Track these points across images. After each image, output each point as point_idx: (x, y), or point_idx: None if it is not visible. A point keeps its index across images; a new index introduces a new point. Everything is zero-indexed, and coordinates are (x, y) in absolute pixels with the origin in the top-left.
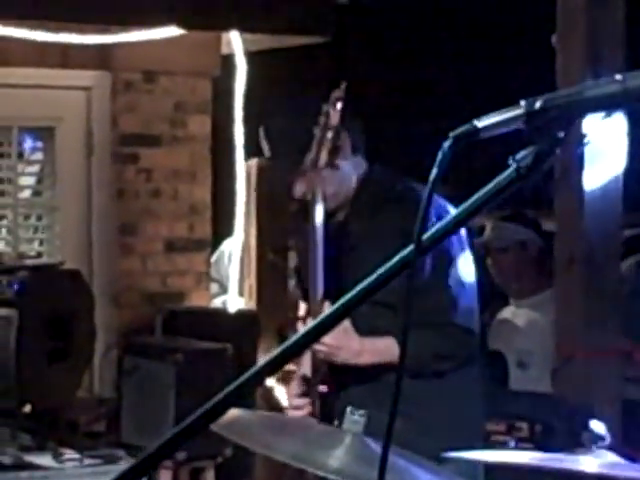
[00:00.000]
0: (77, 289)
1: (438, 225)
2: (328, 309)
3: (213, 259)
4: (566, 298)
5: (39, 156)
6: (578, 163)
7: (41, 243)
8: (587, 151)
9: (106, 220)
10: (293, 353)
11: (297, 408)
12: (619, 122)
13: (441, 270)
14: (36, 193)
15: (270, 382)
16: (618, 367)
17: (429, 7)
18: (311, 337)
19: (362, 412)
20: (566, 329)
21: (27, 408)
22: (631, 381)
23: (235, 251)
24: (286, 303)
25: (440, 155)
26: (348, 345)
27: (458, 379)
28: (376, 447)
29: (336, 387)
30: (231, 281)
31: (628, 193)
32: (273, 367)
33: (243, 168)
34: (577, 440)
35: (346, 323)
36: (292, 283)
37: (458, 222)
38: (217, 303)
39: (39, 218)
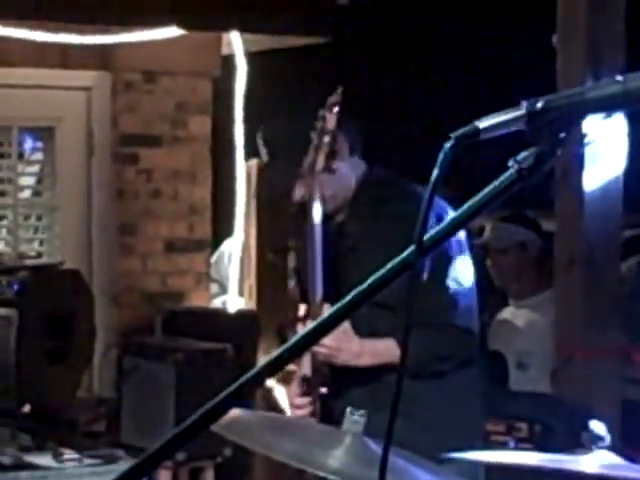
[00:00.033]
0: (77, 289)
1: (439, 226)
2: (327, 311)
3: (213, 259)
4: (566, 298)
5: (39, 156)
6: (578, 163)
7: (41, 243)
8: (587, 151)
9: (106, 220)
10: (293, 354)
11: (299, 407)
12: (619, 123)
13: (440, 271)
14: (36, 193)
15: (270, 382)
16: (618, 368)
17: (429, 8)
18: (311, 338)
19: (362, 412)
20: (566, 329)
21: (27, 408)
22: (631, 382)
23: (235, 251)
24: (286, 303)
25: (441, 156)
26: (348, 346)
27: (458, 379)
28: (376, 447)
29: (336, 388)
30: (231, 281)
31: (628, 193)
32: (273, 368)
33: (243, 168)
34: (577, 440)
35: (346, 325)
36: (292, 283)
37: (459, 223)
38: (217, 303)
39: (39, 218)
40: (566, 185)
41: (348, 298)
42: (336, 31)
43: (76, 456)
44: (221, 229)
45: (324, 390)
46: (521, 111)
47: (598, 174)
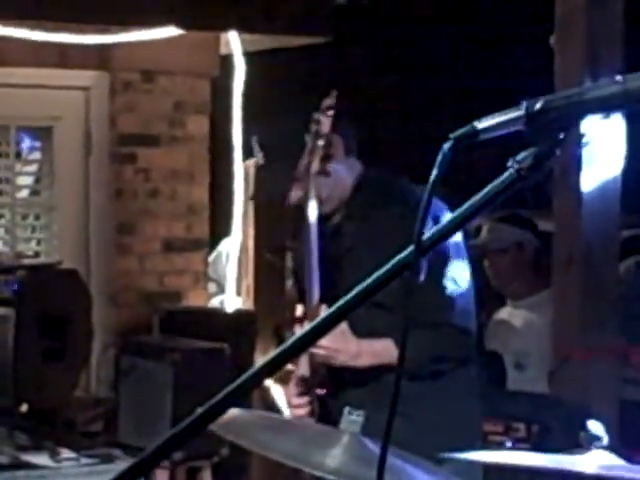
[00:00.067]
0: (74, 288)
1: (438, 226)
2: (324, 312)
3: (211, 259)
4: (564, 299)
5: (37, 156)
6: (577, 164)
7: (39, 243)
8: (585, 152)
9: (104, 220)
10: (291, 355)
11: (297, 407)
12: (617, 123)
13: (437, 271)
14: (34, 193)
15: (267, 382)
16: (616, 368)
17: (428, 7)
18: (309, 339)
19: (360, 412)
20: (564, 330)
21: (24, 407)
22: (628, 382)
23: (233, 251)
24: (283, 303)
25: (440, 156)
26: (346, 347)
27: (455, 379)
28: (373, 447)
29: (334, 389)
30: (229, 281)
31: (626, 194)
32: (270, 369)
33: (241, 168)
34: (575, 441)
35: (343, 325)
36: (289, 283)
37: (459, 223)
38: (215, 303)
39: (37, 218)
40: (564, 185)
41: (346, 298)
42: (335, 31)
43: (73, 455)
44: (219, 229)
45: (322, 391)
46: (520, 111)
47: (596, 174)
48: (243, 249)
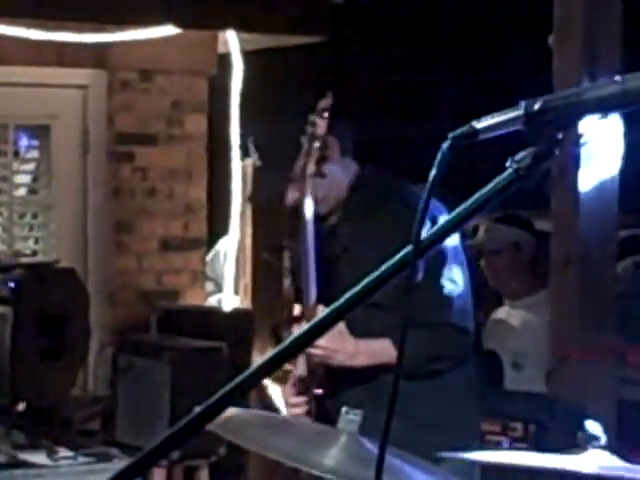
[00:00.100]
0: (72, 287)
1: (437, 226)
2: (321, 312)
3: (209, 258)
4: (561, 299)
5: (35, 154)
6: (574, 163)
7: (36, 241)
8: (583, 151)
9: (101, 218)
10: (289, 355)
11: (294, 406)
12: (615, 123)
13: (435, 270)
14: (32, 191)
15: (264, 381)
16: (613, 368)
17: (427, 7)
18: (307, 339)
19: (357, 411)
20: (561, 330)
21: (21, 406)
22: (626, 381)
23: (230, 250)
24: (281, 302)
25: (439, 156)
26: (343, 347)
27: (453, 379)
28: (371, 447)
29: (332, 389)
30: (226, 280)
31: (624, 194)
32: (268, 369)
33: (239, 167)
34: (572, 440)
35: (341, 325)
36: (287, 283)
37: (457, 223)
38: (212, 302)
39: (34, 216)
40: (562, 185)
41: (344, 298)
42: (333, 30)
43: (71, 454)
44: (216, 228)
45: (319, 391)
46: (519, 111)
47: (594, 174)
48: (241, 248)
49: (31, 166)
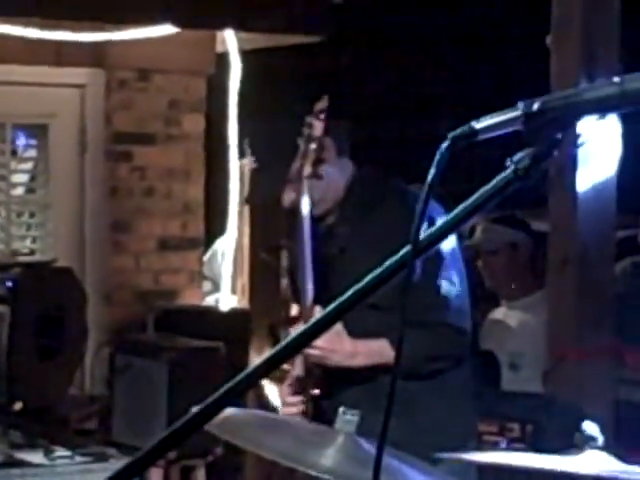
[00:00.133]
0: (69, 286)
1: (435, 226)
2: (318, 313)
3: (206, 257)
4: (559, 299)
5: (32, 153)
6: (572, 164)
7: (34, 240)
8: (581, 152)
9: (99, 218)
10: (287, 356)
11: (290, 405)
12: (613, 123)
13: (432, 271)
14: (29, 190)
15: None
16: (610, 368)
17: (425, 7)
18: (305, 339)
19: (355, 412)
20: (558, 330)
21: (18, 405)
22: (623, 382)
23: (228, 249)
24: (278, 302)
25: (438, 156)
26: (341, 347)
27: (451, 379)
28: (368, 447)
29: (329, 390)
30: (224, 279)
31: (622, 194)
32: (265, 370)
33: (237, 167)
34: (569, 441)
35: (338, 326)
36: (285, 282)
37: (456, 223)
38: (210, 301)
39: (32, 215)
40: (560, 185)
41: (342, 299)
42: (332, 30)
43: (67, 454)
44: (214, 227)
45: (316, 391)
46: (518, 112)
47: (592, 174)
48: (238, 248)
49: (29, 165)
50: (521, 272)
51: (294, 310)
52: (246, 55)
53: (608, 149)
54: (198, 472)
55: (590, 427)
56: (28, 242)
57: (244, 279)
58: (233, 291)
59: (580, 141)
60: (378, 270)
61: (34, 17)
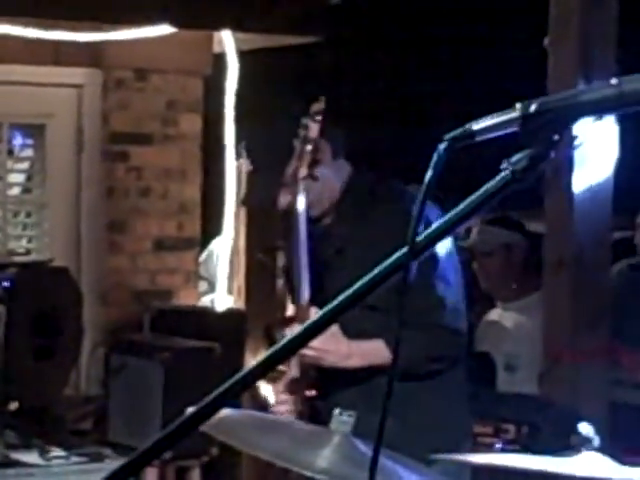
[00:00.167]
0: (65, 286)
1: (432, 228)
2: (314, 314)
3: (203, 257)
4: (554, 300)
5: (29, 153)
6: (568, 165)
7: (30, 240)
8: (577, 153)
9: (95, 218)
10: (283, 357)
11: (281, 403)
12: (610, 124)
13: (427, 271)
14: (25, 190)
15: None
16: (605, 370)
17: (423, 8)
18: (301, 341)
19: (350, 413)
20: (554, 331)
21: (14, 405)
22: (618, 384)
23: (224, 250)
24: (274, 303)
25: (435, 157)
26: (336, 348)
27: (446, 380)
28: (364, 448)
29: (325, 390)
30: (220, 280)
31: (618, 195)
32: (261, 371)
33: (233, 167)
34: (564, 442)
35: (333, 326)
36: (281, 283)
37: (453, 224)
38: (205, 301)
39: (28, 215)
40: (556, 186)
41: (339, 300)
42: (329, 31)
43: (63, 454)
44: (210, 228)
45: (311, 392)
46: (515, 113)
47: (588, 176)
48: (234, 248)
49: (25, 165)
50: (516, 273)
51: (290, 311)
52: (243, 56)
53: (604, 150)
54: (193, 472)
55: (586, 429)
56: (24, 242)
57: (240, 280)
58: (229, 292)
59: (577, 142)
60: (375, 271)
61: (33, 17)
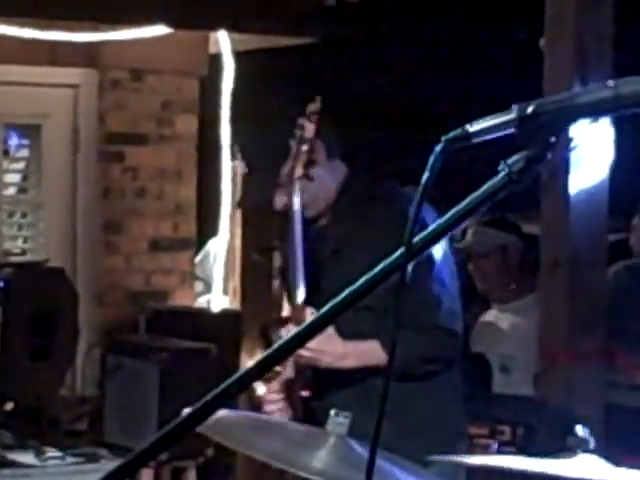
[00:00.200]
0: (61, 287)
1: (429, 229)
2: (309, 314)
3: (199, 258)
4: (550, 302)
5: (25, 153)
6: (564, 167)
7: (25, 240)
8: (574, 155)
9: (91, 218)
10: (279, 358)
11: (271, 402)
12: (606, 126)
13: (423, 272)
14: (21, 190)
15: None
16: (601, 372)
17: (420, 8)
18: (298, 342)
19: (346, 414)
20: (549, 333)
21: (9, 406)
22: (614, 385)
23: (220, 251)
24: (270, 303)
25: (431, 159)
26: (332, 349)
27: (442, 381)
28: (360, 449)
29: (320, 391)
30: (215, 280)
31: (614, 197)
32: (258, 372)
33: (229, 168)
34: (560, 444)
35: (329, 327)
36: (276, 283)
37: (449, 226)
38: (201, 302)
39: (24, 215)
40: (552, 188)
41: (335, 301)
42: (325, 32)
43: (58, 454)
44: (206, 228)
45: (306, 393)
46: (512, 115)
47: (584, 177)
48: (230, 249)
49: (21, 165)
50: (512, 275)
51: (286, 311)
52: (239, 56)
53: (600, 152)
54: (189, 473)
55: (582, 430)
56: (20, 242)
57: (236, 280)
58: (225, 292)
59: (573, 144)
60: (371, 273)
61: (32, 17)
